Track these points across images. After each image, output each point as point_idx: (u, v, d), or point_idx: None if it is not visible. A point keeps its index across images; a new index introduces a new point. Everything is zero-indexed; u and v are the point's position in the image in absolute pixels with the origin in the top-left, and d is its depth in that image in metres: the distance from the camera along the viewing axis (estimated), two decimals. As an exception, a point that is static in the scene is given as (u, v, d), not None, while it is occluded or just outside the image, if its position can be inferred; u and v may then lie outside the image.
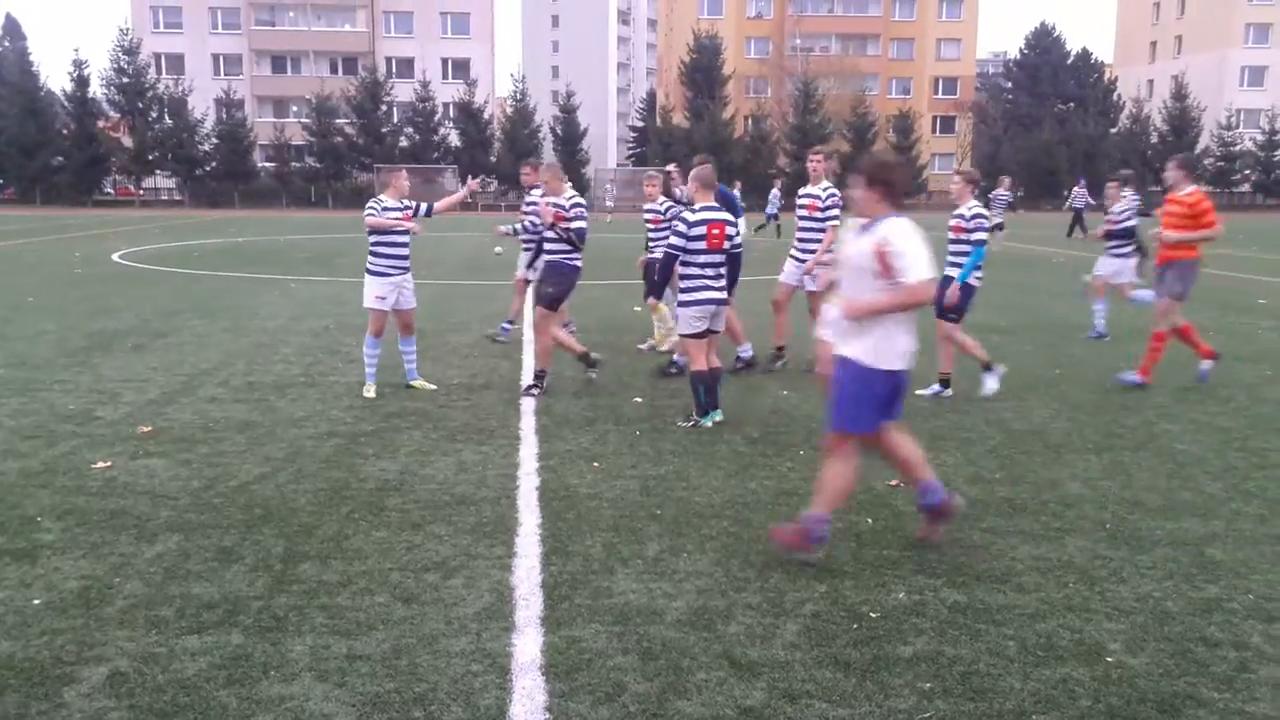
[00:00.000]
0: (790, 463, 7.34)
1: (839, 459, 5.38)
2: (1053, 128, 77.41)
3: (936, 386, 9.67)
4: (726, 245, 8.38)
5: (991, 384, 9.66)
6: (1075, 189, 38.05)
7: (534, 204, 12.44)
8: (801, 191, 10.91)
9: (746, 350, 10.89)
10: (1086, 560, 5.47)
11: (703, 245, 8.22)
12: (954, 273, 9.31)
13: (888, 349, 5.22)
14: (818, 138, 73.89)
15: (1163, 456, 7.57)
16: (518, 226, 12.15)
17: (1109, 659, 4.34)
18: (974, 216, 9.31)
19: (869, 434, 5.41)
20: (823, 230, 10.56)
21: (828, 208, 10.54)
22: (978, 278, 9.43)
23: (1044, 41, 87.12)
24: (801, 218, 10.82)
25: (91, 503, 6.32)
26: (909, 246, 5.09)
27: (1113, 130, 79.28)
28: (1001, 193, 31.66)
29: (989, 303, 16.85)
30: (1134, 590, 5.07)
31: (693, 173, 8.76)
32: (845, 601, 4.91)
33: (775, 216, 37.88)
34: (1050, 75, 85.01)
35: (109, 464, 7.16)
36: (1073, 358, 11.72)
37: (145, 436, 7.94)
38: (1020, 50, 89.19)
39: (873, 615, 4.76)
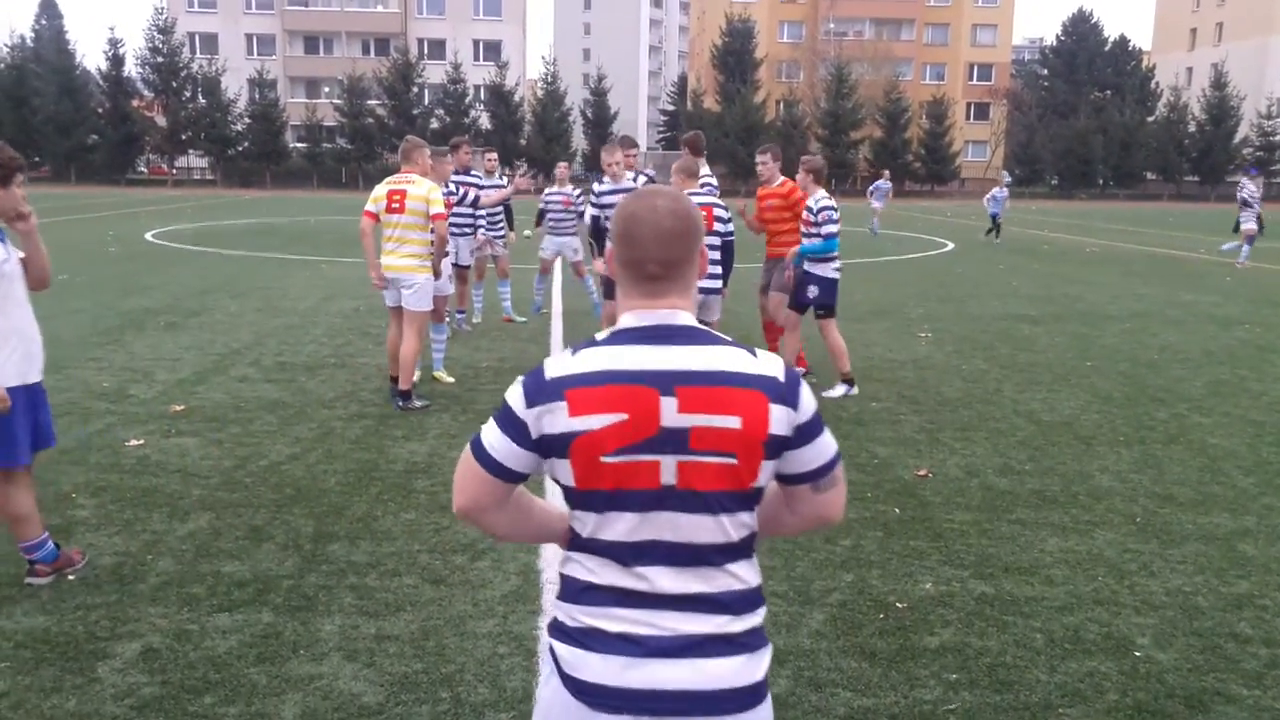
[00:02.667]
0: (818, 451, 7.30)
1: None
2: (1089, 116, 76.53)
3: (843, 387, 9.17)
4: (717, 227, 8.07)
5: (838, 391, 9.08)
6: (1245, 179, 37.08)
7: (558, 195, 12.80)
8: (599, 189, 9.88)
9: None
10: (1116, 554, 5.44)
11: None
12: (808, 266, 9.02)
13: None
14: (850, 123, 73.51)
15: (1194, 450, 7.50)
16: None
17: (1137, 653, 4.32)
18: (822, 209, 8.87)
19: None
20: None
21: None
22: (836, 269, 9.07)
23: (1081, 28, 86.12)
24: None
25: (125, 480, 6.40)
26: None
27: (1150, 119, 78.31)
28: (882, 183, 33.47)
29: (1019, 293, 16.73)
30: (1164, 585, 5.04)
31: (675, 164, 8.39)
32: (872, 591, 4.90)
33: None
34: (1087, 62, 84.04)
35: (142, 442, 7.23)
36: (1105, 349, 11.61)
37: (177, 415, 8.02)
38: (1057, 37, 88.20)
39: (899, 605, 4.75)
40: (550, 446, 1.94)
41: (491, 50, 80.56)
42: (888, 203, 34.34)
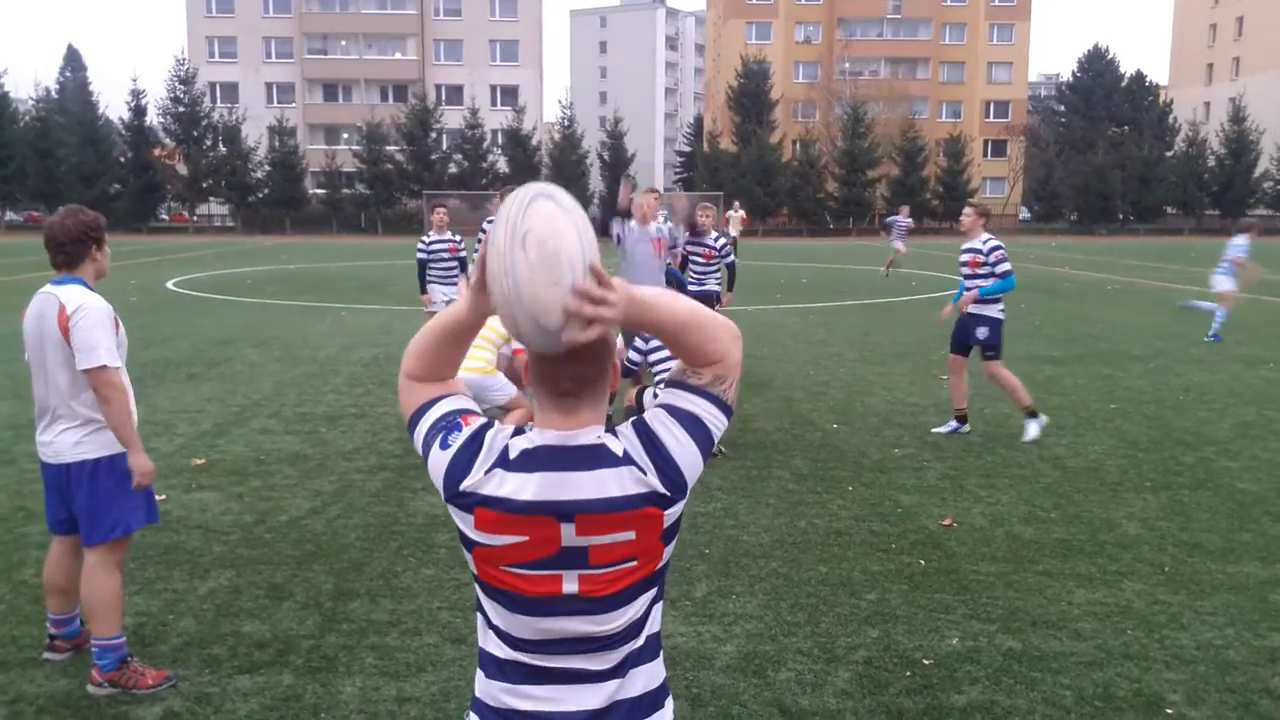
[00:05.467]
0: (841, 500, 7.26)
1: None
2: (1107, 151, 76.47)
3: (953, 423, 9.50)
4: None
5: (1033, 431, 9.13)
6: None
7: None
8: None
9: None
10: (1145, 605, 5.36)
11: None
12: (973, 308, 9.19)
13: None
14: (867, 161, 73.71)
15: (1222, 496, 7.40)
16: None
17: (1169, 710, 4.24)
18: (992, 249, 9.07)
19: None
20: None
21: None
22: (1001, 310, 9.25)
23: (1097, 64, 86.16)
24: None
25: (146, 537, 6.38)
26: None
27: (1168, 154, 78.21)
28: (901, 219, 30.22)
29: (1041, 333, 16.64)
30: (1194, 638, 4.96)
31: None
32: (898, 648, 4.84)
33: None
34: (1104, 98, 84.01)
35: (163, 498, 7.23)
36: (1129, 391, 11.51)
37: (198, 469, 8.04)
38: (1073, 73, 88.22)
39: (926, 662, 4.68)
40: (459, 528, 2.02)
41: (509, 95, 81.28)
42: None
